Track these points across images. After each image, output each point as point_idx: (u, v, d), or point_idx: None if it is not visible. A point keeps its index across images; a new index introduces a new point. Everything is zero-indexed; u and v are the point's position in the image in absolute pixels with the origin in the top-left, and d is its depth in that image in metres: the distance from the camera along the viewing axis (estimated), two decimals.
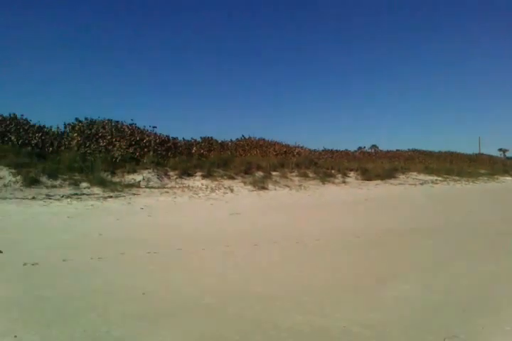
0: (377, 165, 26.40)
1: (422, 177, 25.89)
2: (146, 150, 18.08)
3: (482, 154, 48.41)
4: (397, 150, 39.69)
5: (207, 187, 16.04)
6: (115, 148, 17.26)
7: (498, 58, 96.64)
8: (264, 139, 26.96)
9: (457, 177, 27.22)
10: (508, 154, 58.47)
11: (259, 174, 19.14)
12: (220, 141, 24.43)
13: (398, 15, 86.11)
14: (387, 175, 23.81)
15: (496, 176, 31.99)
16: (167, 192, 14.62)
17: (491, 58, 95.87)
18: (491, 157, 47.29)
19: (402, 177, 24.95)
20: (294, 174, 20.50)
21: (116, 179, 15.31)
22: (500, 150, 59.04)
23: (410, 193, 19.20)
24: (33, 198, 11.66)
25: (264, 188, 17.10)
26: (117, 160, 16.65)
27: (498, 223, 10.12)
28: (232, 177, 17.99)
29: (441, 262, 6.10)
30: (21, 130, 16.55)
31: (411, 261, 6.22)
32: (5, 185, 12.74)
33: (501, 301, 4.31)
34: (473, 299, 4.37)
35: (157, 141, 19.23)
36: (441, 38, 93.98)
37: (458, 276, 5.28)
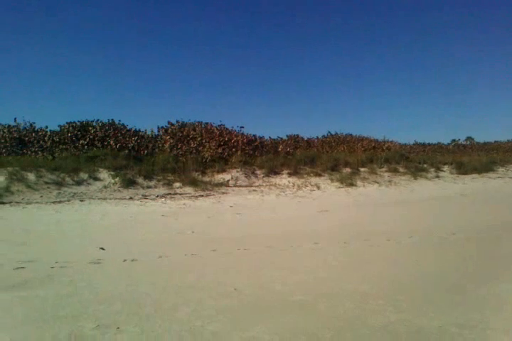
0: (473, 158, 24.91)
1: None
2: (234, 149, 18.51)
3: None
4: (495, 141, 37.21)
5: (294, 185, 16.07)
6: (205, 149, 17.86)
7: None
8: (351, 135, 26.51)
9: None
10: None
11: (347, 170, 18.83)
12: (306, 138, 24.41)
13: None
14: (485, 168, 22.36)
15: None
16: (255, 190, 14.86)
17: None
18: None
19: (501, 170, 23.31)
20: (383, 169, 19.92)
21: (206, 178, 15.84)
22: None
23: (510, 187, 17.90)
24: (130, 198, 12.39)
25: (352, 185, 16.79)
26: (207, 161, 17.23)
27: None
28: (318, 175, 17.87)
29: None
30: (119, 134, 17.68)
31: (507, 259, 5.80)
32: (105, 187, 13.67)
33: None
34: None
35: (244, 140, 19.60)
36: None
37: None
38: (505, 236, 7.34)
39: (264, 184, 16.18)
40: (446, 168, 21.98)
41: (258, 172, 17.42)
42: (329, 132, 26.29)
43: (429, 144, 31.01)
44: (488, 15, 78.17)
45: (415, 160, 22.23)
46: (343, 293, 4.36)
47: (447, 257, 6.01)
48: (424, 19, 77.27)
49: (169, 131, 18.86)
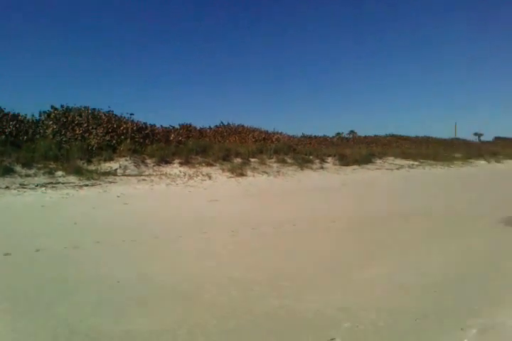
0: (355, 150, 26.56)
1: (399, 161, 26.16)
2: (123, 137, 17.82)
3: (458, 139, 49.10)
4: (375, 135, 40.02)
5: (185, 175, 15.94)
6: (91, 136, 16.97)
7: (472, 43, 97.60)
8: (243, 126, 26.88)
9: (433, 162, 27.58)
10: (482, 138, 59.41)
11: (238, 161, 19.09)
12: (198, 128, 24.28)
13: None
14: (365, 160, 23.99)
15: (470, 160, 32.54)
16: (144, 179, 14.50)
17: (465, 43, 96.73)
18: (466, 141, 48.03)
19: (379, 162, 25.18)
20: (272, 160, 20.50)
21: (92, 167, 15.09)
22: (475, 134, 59.90)
23: (387, 178, 19.42)
24: (7, 187, 11.44)
25: (242, 175, 17.07)
26: (94, 148, 16.39)
27: (471, 206, 10.31)
28: (210, 164, 17.91)
29: (417, 245, 6.19)
30: None
31: (388, 244, 6.29)
32: None
33: (473, 281, 4.40)
34: (447, 280, 4.45)
35: (134, 128, 18.95)
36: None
37: (433, 259, 5.37)
38: (381, 224, 7.95)
39: (154, 173, 15.82)
40: (330, 159, 23.18)
41: (148, 161, 16.99)
42: (222, 122, 26.44)
43: (315, 137, 32.40)
44: None
45: (302, 151, 23.14)
46: (229, 282, 4.43)
47: (328, 244, 6.38)
48: None
49: (52, 116, 17.62)
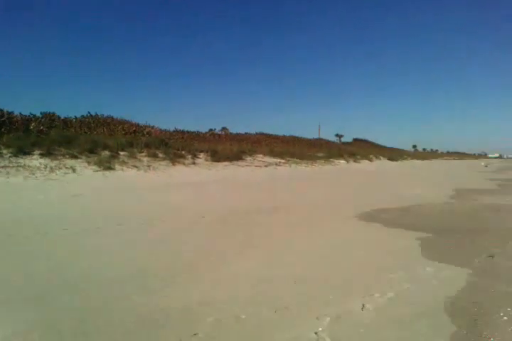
0: (227, 147, 27.05)
1: (267, 159, 27.23)
2: None
3: (321, 139, 52.52)
4: (245, 133, 41.15)
5: (46, 167, 14.85)
6: None
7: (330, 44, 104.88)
8: (112, 117, 25.86)
9: (299, 160, 29.19)
10: (343, 139, 64.29)
11: (106, 153, 18.31)
12: (63, 118, 22.77)
13: None
14: (236, 156, 24.57)
15: (332, 159, 35.04)
16: None
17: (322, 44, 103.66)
18: (328, 142, 51.59)
19: (249, 159, 25.94)
20: (143, 154, 20.02)
21: None
22: (336, 135, 64.56)
23: (256, 174, 20.07)
24: None
25: (110, 168, 16.41)
26: None
27: (331, 201, 11.10)
28: (75, 157, 16.91)
29: (281, 238, 6.46)
30: None
31: (254, 237, 6.48)
32: None
33: (329, 272, 4.73)
34: (305, 272, 4.72)
35: None
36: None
37: (295, 251, 5.65)
38: (248, 218, 8.18)
39: (10, 165, 14.49)
40: (202, 155, 23.34)
41: (4, 151, 15.52)
42: (89, 112, 25.13)
43: (188, 132, 32.35)
44: None
45: (174, 146, 22.96)
46: (88, 281, 4.23)
47: (196, 239, 6.38)
48: None
49: None
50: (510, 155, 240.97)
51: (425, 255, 5.45)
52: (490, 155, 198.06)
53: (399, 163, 55.02)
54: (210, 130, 40.34)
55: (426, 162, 69.21)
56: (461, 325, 3.25)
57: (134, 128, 24.79)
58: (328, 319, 3.37)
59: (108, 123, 24.38)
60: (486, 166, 52.44)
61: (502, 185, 18.60)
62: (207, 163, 22.29)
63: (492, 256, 5.40)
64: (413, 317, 3.40)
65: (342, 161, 36.47)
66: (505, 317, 3.40)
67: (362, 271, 4.72)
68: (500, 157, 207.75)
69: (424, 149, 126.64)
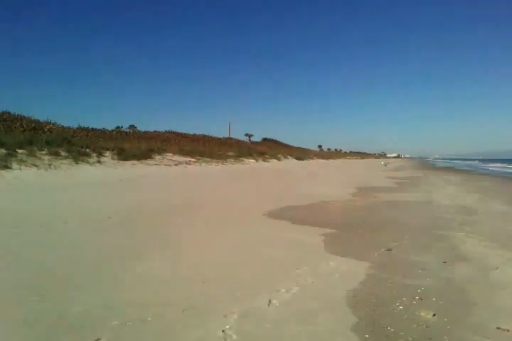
0: (134, 145, 26.31)
1: (177, 158, 26.90)
2: None
3: (231, 138, 52.85)
4: (154, 131, 40.30)
5: None
6: None
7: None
8: (9, 113, 24.12)
9: (209, 159, 29.15)
10: (252, 138, 65.13)
11: (2, 152, 17.01)
12: None
13: None
14: (144, 155, 23.97)
15: (241, 158, 35.41)
16: None
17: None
18: (238, 141, 52.05)
19: (158, 157, 25.44)
20: (43, 152, 18.84)
21: None
22: (246, 135, 65.27)
23: (165, 173, 19.74)
24: None
25: (6, 167, 15.25)
26: None
27: (242, 200, 11.19)
28: None
29: (200, 238, 6.38)
30: None
31: (161, 238, 6.35)
32: None
33: (238, 269, 4.75)
34: (215, 270, 4.70)
35: None
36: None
37: (206, 252, 5.61)
38: (155, 218, 8.00)
39: None
40: (108, 153, 22.48)
41: None
42: None
43: (93, 129, 31.00)
44: None
45: (78, 144, 21.88)
46: None
47: (101, 239, 6.11)
48: None
49: None
50: (407, 155, 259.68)
51: (329, 250, 5.67)
52: (389, 155, 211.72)
53: (305, 162, 56.93)
54: (117, 128, 39.02)
55: (331, 161, 72.33)
56: (361, 315, 3.41)
57: (34, 125, 23.28)
58: (235, 316, 3.38)
59: (5, 119, 22.69)
60: (386, 165, 55.97)
61: (399, 183, 19.91)
62: (113, 161, 21.50)
63: (390, 250, 5.75)
64: (317, 310, 3.51)
65: (252, 160, 36.99)
66: (400, 307, 3.62)
67: (269, 268, 4.80)
68: (399, 156, 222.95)
69: (328, 149, 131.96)
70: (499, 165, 79.50)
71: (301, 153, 65.32)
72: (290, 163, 48.05)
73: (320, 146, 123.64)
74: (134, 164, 21.54)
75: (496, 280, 4.52)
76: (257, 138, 67.61)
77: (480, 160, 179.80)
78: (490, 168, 59.03)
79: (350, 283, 4.22)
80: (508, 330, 3.20)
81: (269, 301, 3.70)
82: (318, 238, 6.47)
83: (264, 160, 40.99)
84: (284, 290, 3.99)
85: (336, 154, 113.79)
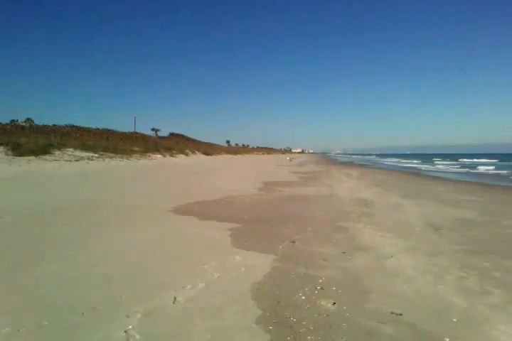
0: (31, 139, 24.63)
1: (79, 153, 25.60)
2: None
3: (137, 133, 51.28)
4: (53, 125, 38.02)
5: None
6: None
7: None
8: None
9: (113, 154, 28.09)
10: (159, 133, 63.68)
11: None
12: None
13: None
14: (42, 150, 22.51)
15: (148, 154, 34.57)
16: None
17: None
18: (144, 136, 50.65)
19: (58, 153, 24.05)
20: None
21: None
22: (153, 129, 63.64)
23: (65, 169, 18.73)
24: None
25: None
26: None
27: (147, 196, 10.91)
28: None
29: (103, 237, 6.09)
30: None
31: (61, 238, 6.00)
32: None
33: (140, 268, 4.62)
34: (116, 270, 4.52)
35: None
36: None
37: (105, 249, 5.38)
38: (57, 217, 7.55)
39: None
40: (1, 148, 20.84)
41: None
42: None
43: None
44: None
45: None
46: None
47: None
48: None
49: None
50: (310, 150, 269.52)
51: (235, 244, 5.72)
52: (294, 150, 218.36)
53: (214, 157, 57.00)
54: (12, 121, 36.32)
55: (238, 156, 73.04)
56: (266, 308, 3.48)
57: None
58: (138, 315, 3.29)
59: None
60: (291, 160, 57.67)
61: (303, 178, 20.60)
62: (7, 157, 19.97)
63: (294, 242, 5.92)
64: (222, 305, 3.52)
65: (159, 156, 36.24)
66: (303, 297, 3.74)
67: (175, 265, 4.74)
68: (303, 152, 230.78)
69: (236, 144, 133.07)
70: (394, 159, 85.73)
71: (209, 149, 65.20)
72: (198, 158, 47.77)
73: (228, 142, 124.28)
74: (30, 160, 20.15)
75: (391, 267, 4.83)
76: (164, 132, 66.31)
77: (377, 155, 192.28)
78: (386, 163, 63.27)
79: (255, 277, 4.28)
80: (400, 314, 3.43)
81: (174, 298, 3.65)
82: (225, 233, 6.49)
83: (171, 156, 40.36)
84: (189, 286, 3.95)
85: (244, 149, 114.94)
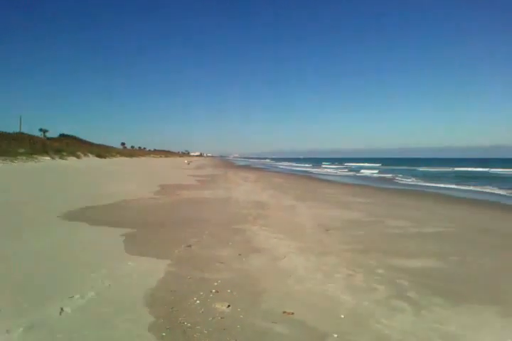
0: None
1: None
2: None
3: (23, 133, 47.75)
4: None
5: None
6: None
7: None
8: None
9: None
10: (48, 134, 59.90)
11: None
12: None
13: None
14: None
15: (35, 156, 32.36)
16: None
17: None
18: (31, 137, 47.28)
19: None
20: None
21: None
22: (41, 130, 59.67)
23: None
24: None
25: None
26: None
27: (35, 202, 10.18)
28: None
29: None
30: None
31: None
32: None
33: (24, 280, 4.30)
34: (14, 283, 4.17)
35: None
36: None
37: None
38: None
39: None
40: None
41: None
42: None
43: None
44: None
45: None
46: None
47: None
48: None
49: None
50: (209, 154, 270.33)
51: (129, 250, 5.53)
52: (192, 154, 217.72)
53: (108, 160, 54.89)
54: None
55: (134, 159, 71.10)
56: (159, 314, 3.40)
57: None
58: (20, 330, 3.06)
59: None
60: (189, 164, 57.34)
61: (201, 181, 20.57)
62: None
63: (190, 246, 5.86)
64: (114, 314, 3.38)
65: (47, 158, 34.06)
66: (198, 301, 3.71)
67: (63, 273, 4.47)
68: (201, 155, 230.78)
69: (132, 147, 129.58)
70: (287, 163, 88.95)
71: (103, 151, 62.65)
72: (91, 161, 45.63)
73: (123, 144, 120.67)
74: None
75: (284, 268, 4.97)
76: (53, 133, 62.55)
77: (272, 158, 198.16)
78: (280, 166, 65.42)
79: (149, 282, 4.17)
80: (292, 313, 3.53)
81: (61, 309, 3.44)
82: (118, 238, 6.26)
83: (61, 158, 38.15)
84: (78, 296, 3.75)
85: (141, 152, 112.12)
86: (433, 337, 3.19)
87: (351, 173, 41.48)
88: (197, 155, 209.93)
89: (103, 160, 52.20)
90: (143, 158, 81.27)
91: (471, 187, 21.14)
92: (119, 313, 3.39)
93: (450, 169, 53.20)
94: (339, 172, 45.17)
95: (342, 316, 3.55)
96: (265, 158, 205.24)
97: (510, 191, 18.61)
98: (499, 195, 17.44)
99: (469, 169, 52.28)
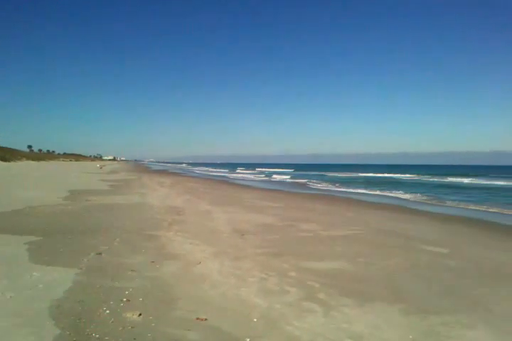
0: None
1: None
2: None
3: None
4: None
5: None
6: None
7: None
8: None
9: None
10: None
11: None
12: None
13: None
14: None
15: None
16: None
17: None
18: None
19: None
20: None
21: None
22: None
23: None
24: None
25: None
26: None
27: None
28: None
29: None
30: None
31: None
32: None
33: None
34: None
35: None
36: None
37: None
38: None
39: None
40: None
41: None
42: None
43: None
44: None
45: None
46: None
47: None
48: None
49: None
50: (123, 158, 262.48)
51: (33, 260, 5.21)
52: (105, 158, 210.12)
53: (12, 163, 51.47)
54: None
55: (42, 163, 67.30)
56: (65, 326, 3.22)
57: None
58: None
59: None
60: (101, 168, 55.32)
61: (114, 186, 19.89)
62: None
63: (100, 254, 5.64)
64: (14, 328, 3.15)
65: None
66: (108, 311, 3.57)
67: None
68: (115, 159, 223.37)
69: (40, 150, 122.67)
70: (204, 168, 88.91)
71: (6, 154, 58.62)
72: None
73: (30, 147, 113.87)
74: None
75: (199, 273, 4.94)
76: None
77: (189, 163, 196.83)
78: (197, 171, 65.11)
79: (54, 293, 3.94)
80: (205, 319, 3.51)
81: None
82: (21, 247, 5.87)
83: None
84: None
85: (49, 156, 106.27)
86: (342, 337, 3.32)
87: (266, 178, 42.30)
88: (110, 160, 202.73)
89: (6, 163, 48.82)
90: (52, 162, 77.08)
91: (378, 192, 22.38)
92: (21, 327, 3.17)
93: (356, 175, 55.94)
94: (254, 177, 45.83)
95: (255, 320, 3.58)
96: (181, 163, 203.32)
97: (413, 195, 19.99)
98: (404, 199, 18.57)
99: (377, 175, 55.13)
